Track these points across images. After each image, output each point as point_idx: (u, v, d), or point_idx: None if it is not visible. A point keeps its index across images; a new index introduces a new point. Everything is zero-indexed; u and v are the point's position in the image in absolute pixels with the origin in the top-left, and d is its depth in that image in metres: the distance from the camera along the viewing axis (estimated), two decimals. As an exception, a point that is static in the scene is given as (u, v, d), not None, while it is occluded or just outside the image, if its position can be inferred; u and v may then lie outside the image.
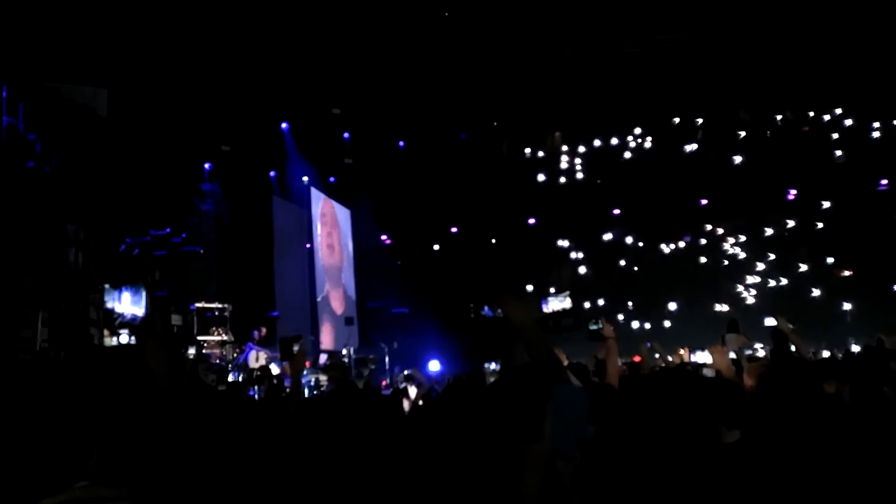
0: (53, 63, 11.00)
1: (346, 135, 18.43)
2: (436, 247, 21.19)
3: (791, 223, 20.41)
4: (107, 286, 11.56)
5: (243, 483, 2.55)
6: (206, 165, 16.00)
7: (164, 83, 13.01)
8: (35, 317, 10.12)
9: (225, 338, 13.20)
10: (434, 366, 14.12)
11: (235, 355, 12.92)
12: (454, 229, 20.99)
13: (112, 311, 11.56)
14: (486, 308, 17.20)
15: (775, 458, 2.99)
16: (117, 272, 12.22)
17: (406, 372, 11.99)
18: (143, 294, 12.18)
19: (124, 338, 10.75)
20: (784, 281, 20.11)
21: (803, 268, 20.07)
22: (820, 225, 20.08)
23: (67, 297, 10.80)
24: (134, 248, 12.43)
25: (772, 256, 20.40)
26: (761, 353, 11.60)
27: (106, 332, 10.97)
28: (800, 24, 15.99)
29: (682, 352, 10.34)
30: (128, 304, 11.97)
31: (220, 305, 13.62)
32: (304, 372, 13.49)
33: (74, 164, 11.26)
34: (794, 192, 20.09)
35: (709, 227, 20.89)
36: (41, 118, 10.72)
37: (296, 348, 4.17)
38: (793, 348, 6.02)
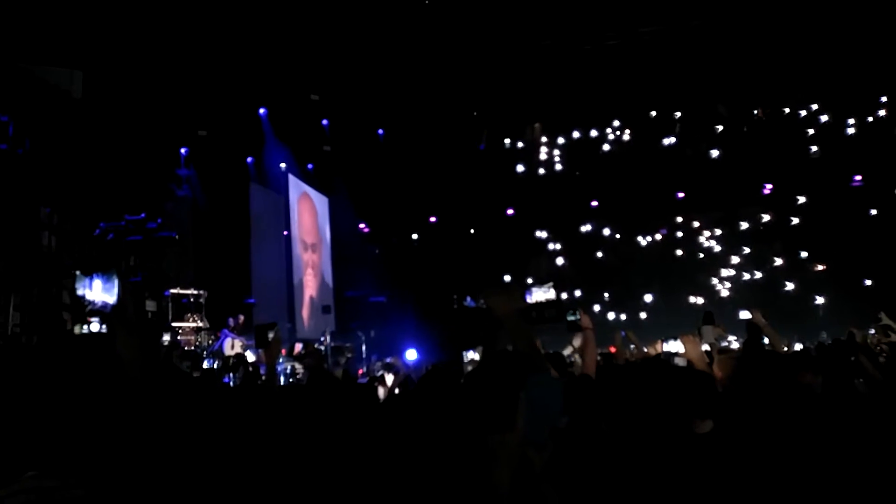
0: (27, 44, 10.80)
1: (324, 122, 18.31)
2: (414, 236, 21.16)
3: (766, 217, 20.65)
4: (77, 273, 11.39)
5: (217, 470, 2.53)
6: (183, 150, 15.81)
7: (140, 66, 12.82)
8: (7, 301, 9.99)
9: (200, 324, 13.09)
10: (411, 355, 14.12)
11: (210, 342, 12.82)
12: (433, 219, 20.97)
13: (83, 298, 11.38)
14: (468, 298, 17.22)
15: (748, 448, 3.02)
16: (90, 258, 12.07)
17: (387, 360, 11.99)
18: (115, 281, 12.00)
19: (95, 326, 10.60)
20: (758, 274, 20.36)
21: (778, 261, 20.32)
22: (795, 220, 20.34)
23: (40, 282, 10.66)
24: (108, 232, 12.29)
25: (747, 250, 20.63)
26: (736, 346, 11.76)
27: (75, 320, 10.80)
28: (778, 20, 16.13)
29: (658, 344, 10.39)
30: (99, 291, 11.80)
31: (195, 292, 13.49)
32: (280, 360, 13.44)
33: (48, 146, 11.10)
34: (769, 186, 20.30)
35: (685, 219, 21.08)
36: (14, 100, 10.55)
37: (271, 335, 4.14)
38: (766, 341, 6.08)
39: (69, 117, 11.64)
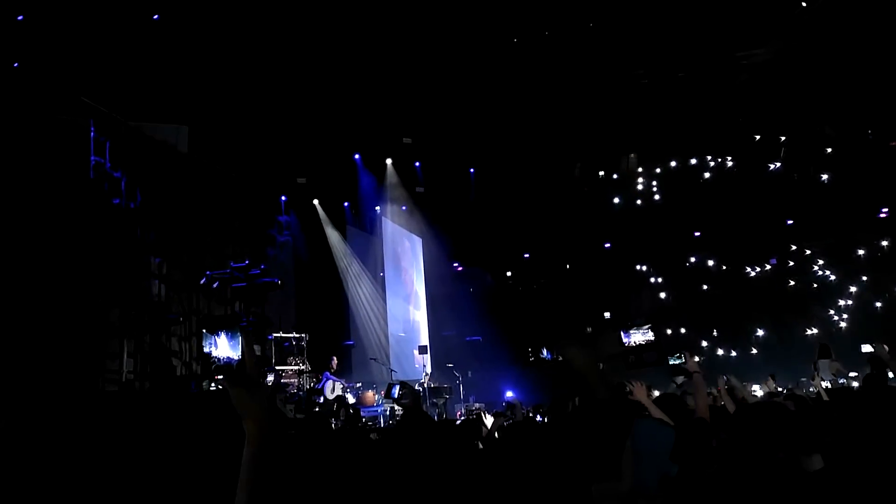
0: (137, 102, 11.43)
1: (417, 164, 18.55)
2: (508, 273, 21.01)
3: (884, 243, 19.37)
4: (203, 331, 11.83)
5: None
6: (283, 198, 16.33)
7: (240, 119, 13.37)
8: (121, 349, 10.44)
9: (302, 367, 13.33)
10: (508, 396, 13.89)
11: (312, 384, 13.02)
12: (527, 255, 20.78)
13: (209, 355, 11.79)
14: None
15: (863, 488, 2.74)
16: (200, 308, 12.52)
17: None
18: (239, 338, 12.35)
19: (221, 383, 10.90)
20: (878, 304, 19.06)
21: (900, 290, 19.00)
22: (917, 244, 19.01)
23: (151, 330, 11.11)
24: (214, 280, 12.70)
25: (864, 278, 19.39)
26: (857, 384, 10.96)
27: (202, 377, 11.15)
28: (885, 35, 15.31)
29: (769, 381, 9.79)
30: (225, 347, 12.19)
31: (297, 335, 13.77)
32: (380, 402, 13.50)
33: (157, 199, 11.65)
34: (885, 210, 19.08)
35: (796, 248, 20.04)
36: (127, 157, 11.13)
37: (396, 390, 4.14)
38: (891, 375, 5.65)
39: (176, 171, 12.23)
